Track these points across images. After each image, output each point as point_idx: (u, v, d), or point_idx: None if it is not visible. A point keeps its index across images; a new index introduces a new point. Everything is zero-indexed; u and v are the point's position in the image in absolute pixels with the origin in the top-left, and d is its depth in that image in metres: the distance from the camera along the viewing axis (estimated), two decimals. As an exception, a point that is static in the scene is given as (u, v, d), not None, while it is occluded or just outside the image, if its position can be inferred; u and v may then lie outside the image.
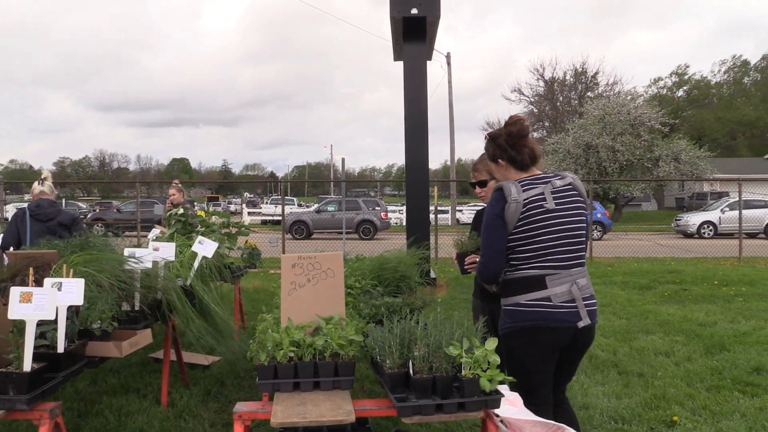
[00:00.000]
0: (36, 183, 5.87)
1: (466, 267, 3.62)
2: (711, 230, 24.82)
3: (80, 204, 34.21)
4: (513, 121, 2.94)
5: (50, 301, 2.62)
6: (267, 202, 42.28)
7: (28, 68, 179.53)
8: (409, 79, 8.51)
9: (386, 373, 2.55)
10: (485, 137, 3.09)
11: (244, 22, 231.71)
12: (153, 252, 4.08)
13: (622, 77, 63.42)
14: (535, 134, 49.23)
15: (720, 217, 24.96)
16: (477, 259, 3.79)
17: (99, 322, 3.30)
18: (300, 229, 24.68)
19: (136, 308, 3.87)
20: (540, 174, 2.96)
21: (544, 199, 2.83)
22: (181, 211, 6.69)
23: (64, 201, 33.85)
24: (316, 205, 28.13)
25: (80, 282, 2.96)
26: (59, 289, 2.88)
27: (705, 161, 32.66)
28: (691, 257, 16.23)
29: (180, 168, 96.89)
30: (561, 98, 48.79)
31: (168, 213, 6.81)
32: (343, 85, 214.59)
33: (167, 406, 4.48)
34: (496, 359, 2.48)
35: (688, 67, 55.88)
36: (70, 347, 2.97)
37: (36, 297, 2.60)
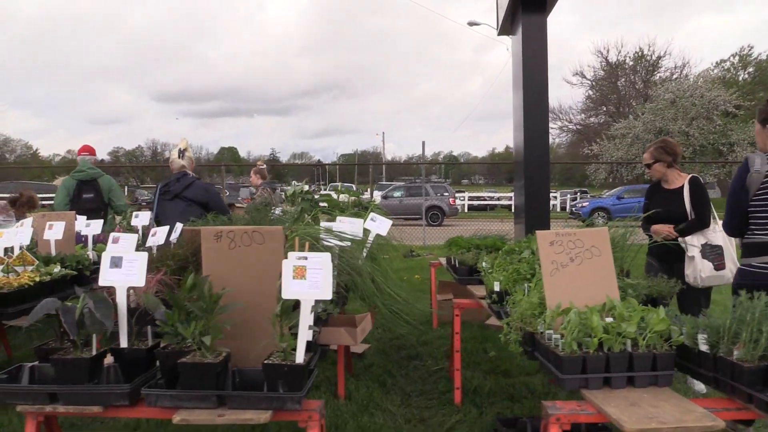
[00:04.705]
0: (175, 156, 5.35)
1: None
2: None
3: (144, 191, 33.93)
4: None
5: (325, 276, 2.19)
6: (326, 189, 42.09)
7: (89, 60, 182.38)
8: (527, 53, 7.96)
9: (745, 367, 2.06)
10: None
11: (306, 12, 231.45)
12: (344, 227, 3.65)
13: (690, 60, 60.22)
14: (597, 119, 47.76)
15: None
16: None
17: (322, 306, 2.90)
18: (366, 215, 24.29)
19: (333, 290, 3.45)
20: None
21: None
22: (307, 188, 6.36)
23: (126, 189, 33.83)
24: (379, 192, 27.65)
25: (327, 257, 2.52)
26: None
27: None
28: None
29: (229, 157, 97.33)
30: (624, 81, 47.08)
31: (292, 190, 6.46)
32: (396, 74, 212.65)
33: (344, 398, 4.08)
34: None
35: (752, 48, 53.08)
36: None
37: (310, 272, 2.17)
